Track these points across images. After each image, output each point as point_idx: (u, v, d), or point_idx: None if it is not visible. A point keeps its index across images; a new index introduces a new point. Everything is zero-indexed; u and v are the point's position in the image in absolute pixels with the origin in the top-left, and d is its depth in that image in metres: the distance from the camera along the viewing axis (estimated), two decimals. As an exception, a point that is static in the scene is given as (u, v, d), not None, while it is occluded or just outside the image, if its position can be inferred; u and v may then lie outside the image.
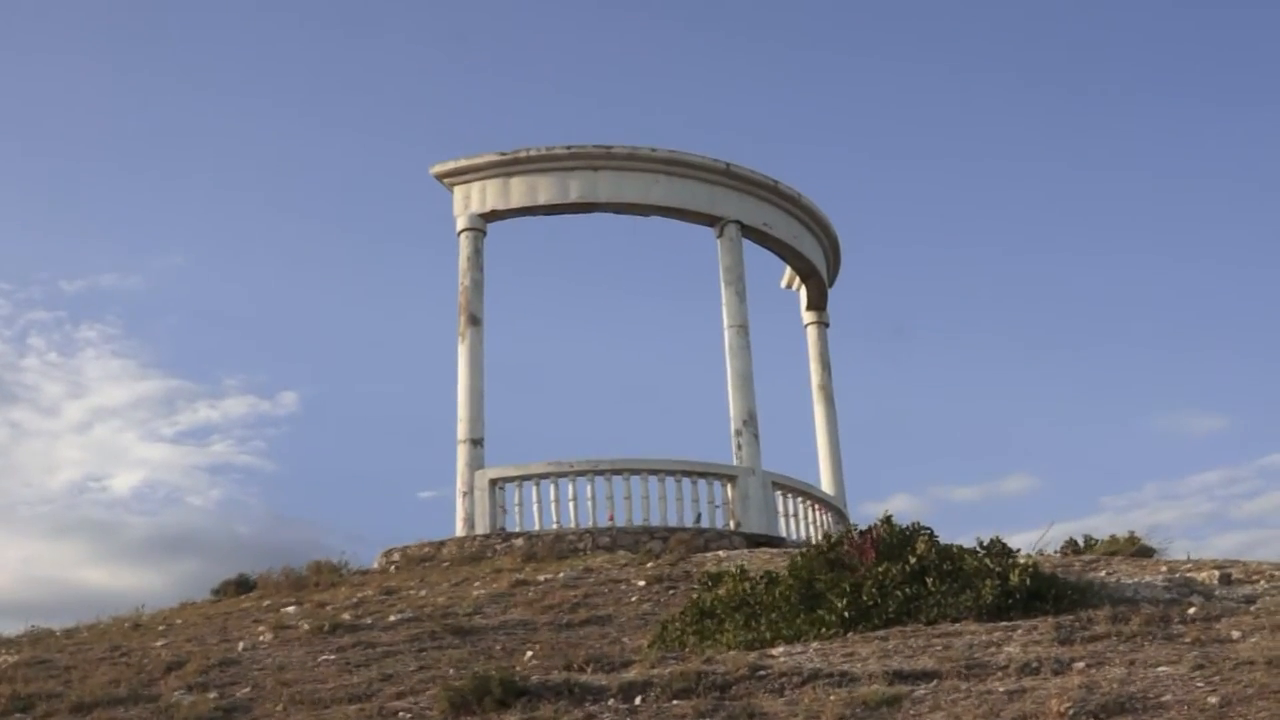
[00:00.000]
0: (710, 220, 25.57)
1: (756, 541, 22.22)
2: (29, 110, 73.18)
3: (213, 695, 11.80)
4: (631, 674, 10.84)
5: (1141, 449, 67.25)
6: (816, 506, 25.63)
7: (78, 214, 72.62)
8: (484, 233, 24.96)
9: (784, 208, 26.61)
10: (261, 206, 72.49)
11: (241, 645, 14.68)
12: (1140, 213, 71.71)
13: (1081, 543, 20.17)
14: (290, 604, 17.79)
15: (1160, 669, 9.57)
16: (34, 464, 69.28)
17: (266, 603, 18.42)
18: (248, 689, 12.19)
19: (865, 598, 12.48)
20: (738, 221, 25.56)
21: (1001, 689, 9.41)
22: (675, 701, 9.93)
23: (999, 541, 13.76)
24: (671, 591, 16.66)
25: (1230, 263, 70.73)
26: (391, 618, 15.71)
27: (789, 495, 24.65)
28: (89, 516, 65.66)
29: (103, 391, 69.76)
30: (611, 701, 10.14)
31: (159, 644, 15.34)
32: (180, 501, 67.32)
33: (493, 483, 23.03)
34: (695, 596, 14.24)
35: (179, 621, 17.64)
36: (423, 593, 17.91)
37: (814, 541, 20.66)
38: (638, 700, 10.11)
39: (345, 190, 73.62)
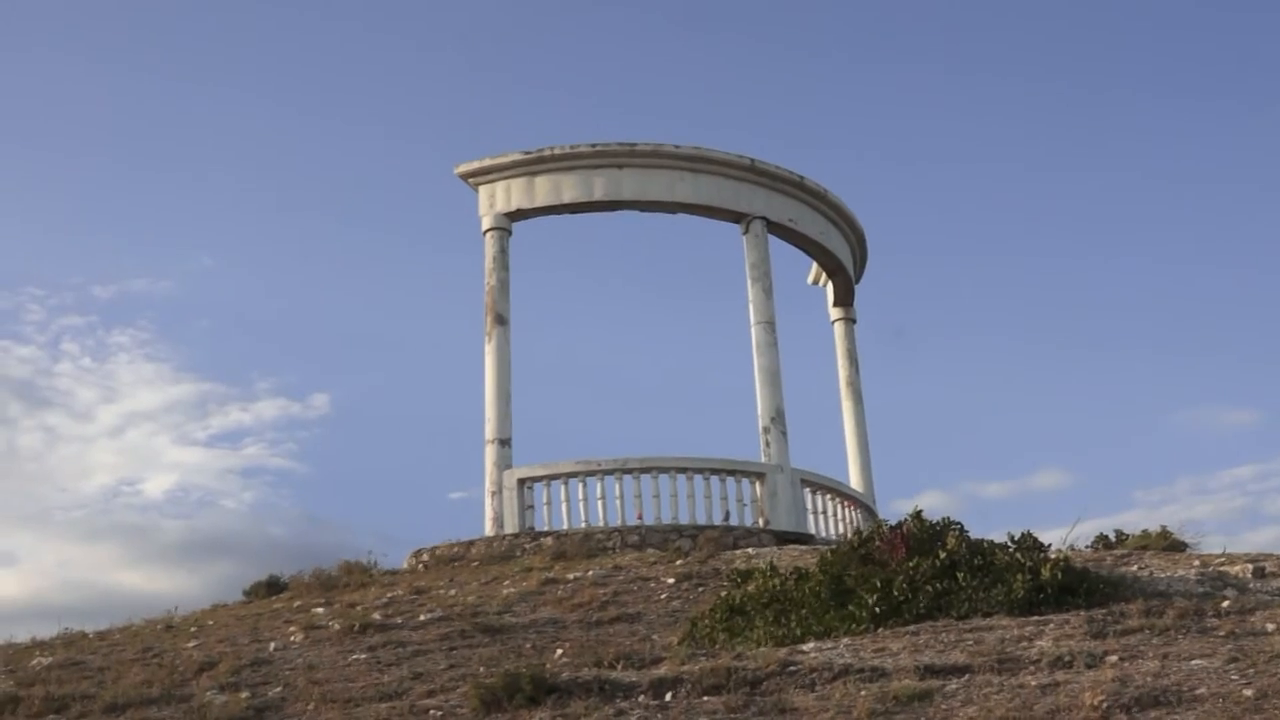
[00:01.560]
0: (736, 217, 25.49)
1: (785, 539, 22.20)
2: (57, 115, 73.58)
3: (245, 695, 11.85)
4: (661, 670, 10.86)
5: (1173, 444, 66.97)
6: (845, 503, 25.57)
7: (108, 218, 73.02)
8: (509, 232, 24.95)
9: (810, 203, 26.52)
10: (287, 208, 72.75)
11: (273, 645, 14.73)
12: (1169, 210, 71.51)
13: (1113, 537, 20.11)
14: (321, 604, 17.86)
15: (1194, 662, 9.55)
16: (68, 468, 69.69)
17: (297, 603, 18.48)
18: (279, 688, 12.24)
19: (896, 593, 12.48)
20: (763, 218, 25.47)
21: (1034, 683, 9.40)
22: (706, 697, 9.94)
23: (1030, 536, 13.73)
24: (701, 589, 16.66)
25: (1258, 258, 70.47)
26: (422, 617, 15.75)
27: (818, 492, 24.61)
28: (123, 520, 66.04)
29: (136, 396, 70.16)
30: (642, 698, 10.15)
31: (191, 645, 15.42)
32: (214, 504, 67.63)
33: (521, 482, 23.04)
34: (725, 594, 14.26)
35: (211, 623, 17.72)
36: (452, 592, 17.95)
37: (843, 538, 20.60)
38: (668, 696, 10.12)
39: (372, 190, 73.85)
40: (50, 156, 73.16)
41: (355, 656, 13.68)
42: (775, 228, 25.81)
